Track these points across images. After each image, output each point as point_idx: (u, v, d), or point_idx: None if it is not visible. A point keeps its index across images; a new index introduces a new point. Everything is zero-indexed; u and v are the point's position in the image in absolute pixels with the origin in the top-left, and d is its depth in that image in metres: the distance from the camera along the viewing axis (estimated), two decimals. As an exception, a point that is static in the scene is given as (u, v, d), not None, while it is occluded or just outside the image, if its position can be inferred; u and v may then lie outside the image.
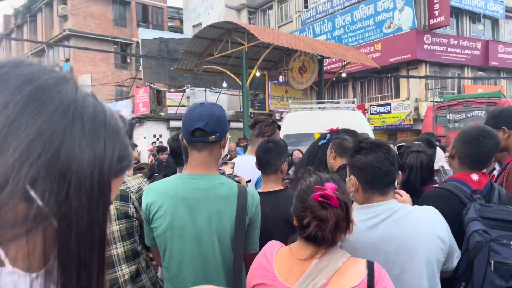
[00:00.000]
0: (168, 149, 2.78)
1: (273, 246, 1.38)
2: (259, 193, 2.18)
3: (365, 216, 1.49)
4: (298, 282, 1.20)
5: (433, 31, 17.34)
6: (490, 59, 18.62)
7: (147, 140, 18.21)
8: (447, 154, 5.31)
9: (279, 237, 1.50)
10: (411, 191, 1.82)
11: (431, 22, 17.15)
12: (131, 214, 1.87)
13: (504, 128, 2.30)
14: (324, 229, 1.18)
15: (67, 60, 26.56)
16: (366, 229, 1.47)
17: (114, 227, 1.81)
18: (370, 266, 1.21)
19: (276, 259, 1.30)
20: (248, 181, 2.60)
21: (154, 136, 18.59)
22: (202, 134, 1.56)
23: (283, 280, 1.23)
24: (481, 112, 9.26)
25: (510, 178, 2.18)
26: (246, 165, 2.72)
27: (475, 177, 1.81)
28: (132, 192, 1.86)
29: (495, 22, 20.16)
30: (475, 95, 10.42)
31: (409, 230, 1.44)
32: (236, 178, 1.84)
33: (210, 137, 1.55)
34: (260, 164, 2.22)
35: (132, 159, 0.58)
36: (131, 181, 1.88)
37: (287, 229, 1.67)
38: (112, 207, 1.82)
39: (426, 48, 16.90)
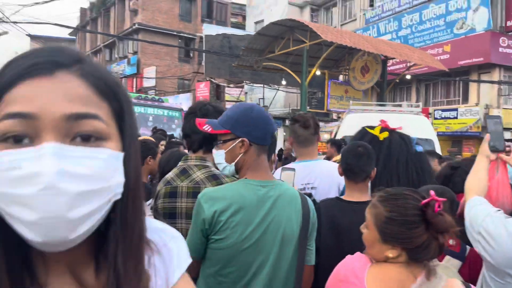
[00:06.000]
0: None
1: (362, 261, 1.25)
2: (344, 200, 2.07)
3: None
4: None
5: (510, 33, 16.12)
6: None
7: (205, 133, 18.67)
8: None
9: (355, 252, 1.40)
10: None
11: (508, 23, 15.95)
12: None
13: None
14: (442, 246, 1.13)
15: (135, 52, 27.92)
16: None
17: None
18: None
19: (369, 277, 1.18)
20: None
21: (212, 129, 19.01)
22: (272, 137, 1.57)
23: None
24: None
25: None
26: (323, 172, 2.39)
27: None
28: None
29: None
30: None
31: None
32: None
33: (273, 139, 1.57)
34: (351, 171, 2.04)
35: None
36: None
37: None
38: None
39: (501, 51, 15.74)
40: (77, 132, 0.53)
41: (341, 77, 14.74)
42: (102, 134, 0.55)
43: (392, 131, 2.37)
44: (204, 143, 1.89)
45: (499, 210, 1.50)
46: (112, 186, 0.55)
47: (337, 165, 2.40)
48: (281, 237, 1.46)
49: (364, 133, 2.44)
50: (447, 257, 1.77)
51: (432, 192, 1.14)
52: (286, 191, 1.53)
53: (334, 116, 17.87)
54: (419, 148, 2.29)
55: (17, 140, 0.51)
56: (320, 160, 2.51)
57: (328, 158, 5.36)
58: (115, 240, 0.58)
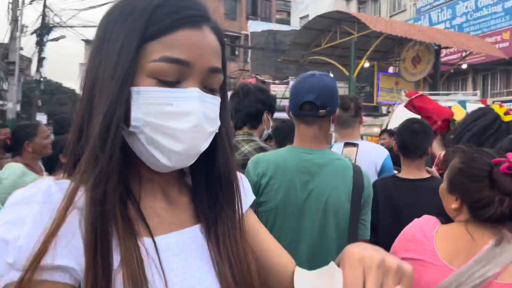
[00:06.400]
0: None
1: (431, 222, 1.22)
2: (400, 178, 2.07)
3: None
4: (465, 266, 1.07)
5: None
6: None
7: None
8: None
9: None
10: None
11: None
12: None
13: None
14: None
15: (183, 52, 28.71)
16: None
17: None
18: None
19: (438, 237, 1.16)
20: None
21: (258, 125, 19.15)
22: (312, 107, 1.47)
23: (446, 261, 1.11)
24: None
25: None
26: (360, 152, 2.35)
27: None
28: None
29: None
30: None
31: None
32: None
33: (321, 111, 1.46)
34: (406, 148, 2.04)
35: None
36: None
37: None
38: None
39: None
40: (208, 82, 0.62)
41: (391, 69, 14.28)
42: (219, 85, 0.66)
43: None
44: (248, 120, 2.01)
45: None
46: (217, 127, 0.66)
47: (375, 145, 2.36)
48: (325, 205, 1.45)
49: (488, 110, 2.31)
50: None
51: (510, 154, 1.09)
52: (335, 160, 1.51)
53: (384, 111, 17.36)
54: None
55: (165, 79, 0.58)
56: (358, 141, 2.48)
57: (388, 148, 5.26)
58: (222, 161, 0.69)
